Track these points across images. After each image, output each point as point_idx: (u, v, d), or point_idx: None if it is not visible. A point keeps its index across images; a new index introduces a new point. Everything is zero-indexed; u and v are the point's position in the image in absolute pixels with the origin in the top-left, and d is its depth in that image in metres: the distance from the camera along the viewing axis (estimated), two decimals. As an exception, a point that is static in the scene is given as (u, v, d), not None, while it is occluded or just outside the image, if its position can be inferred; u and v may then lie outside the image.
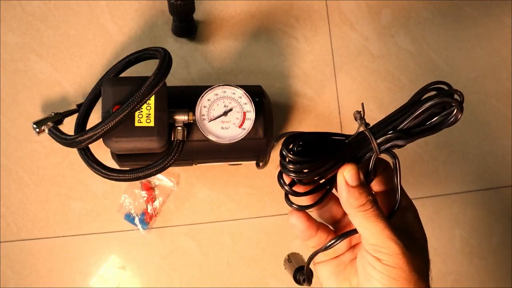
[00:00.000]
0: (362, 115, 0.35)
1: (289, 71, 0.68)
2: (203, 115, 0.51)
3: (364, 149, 0.35)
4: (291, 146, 0.35)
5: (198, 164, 0.58)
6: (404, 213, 0.37)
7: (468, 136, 0.72)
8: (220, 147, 0.53)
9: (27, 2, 0.65)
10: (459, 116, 0.32)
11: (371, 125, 0.35)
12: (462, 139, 0.71)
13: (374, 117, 0.74)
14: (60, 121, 0.56)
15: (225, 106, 0.51)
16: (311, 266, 0.41)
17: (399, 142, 0.34)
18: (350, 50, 0.70)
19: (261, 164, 0.56)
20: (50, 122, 0.53)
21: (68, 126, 0.55)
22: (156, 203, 0.64)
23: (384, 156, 0.36)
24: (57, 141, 0.51)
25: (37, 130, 0.54)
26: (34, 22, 0.65)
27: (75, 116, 0.56)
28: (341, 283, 0.38)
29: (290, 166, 0.34)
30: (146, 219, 0.64)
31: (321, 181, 0.37)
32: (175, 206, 0.65)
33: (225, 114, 0.51)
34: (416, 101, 0.34)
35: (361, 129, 0.35)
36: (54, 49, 0.65)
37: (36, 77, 0.64)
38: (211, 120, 0.51)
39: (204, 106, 0.51)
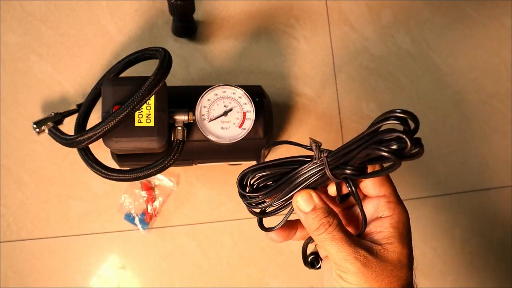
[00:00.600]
0: (318, 144, 0.35)
1: (289, 71, 0.68)
2: (203, 115, 0.51)
3: (322, 177, 0.35)
4: (250, 181, 0.37)
5: (198, 164, 0.58)
6: (381, 225, 0.36)
7: (468, 136, 0.72)
8: (220, 147, 0.53)
9: (28, 2, 0.65)
10: (400, 166, 0.31)
11: (329, 152, 0.35)
12: (462, 139, 0.71)
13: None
14: (60, 121, 0.56)
15: (225, 106, 0.51)
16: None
17: (352, 177, 0.34)
18: (350, 50, 0.70)
19: None
20: (50, 122, 0.54)
21: (68, 126, 0.55)
22: (156, 203, 0.64)
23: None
24: (57, 141, 0.51)
25: (37, 130, 0.54)
26: (34, 22, 0.65)
27: (75, 116, 0.56)
28: (331, 283, 0.38)
29: (251, 201, 0.37)
30: (146, 219, 0.64)
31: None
32: (175, 206, 0.65)
33: (225, 114, 0.51)
34: (374, 131, 0.32)
35: (315, 158, 0.35)
36: (54, 49, 0.65)
37: (36, 77, 0.64)
38: (211, 120, 0.51)
39: (204, 106, 0.51)
